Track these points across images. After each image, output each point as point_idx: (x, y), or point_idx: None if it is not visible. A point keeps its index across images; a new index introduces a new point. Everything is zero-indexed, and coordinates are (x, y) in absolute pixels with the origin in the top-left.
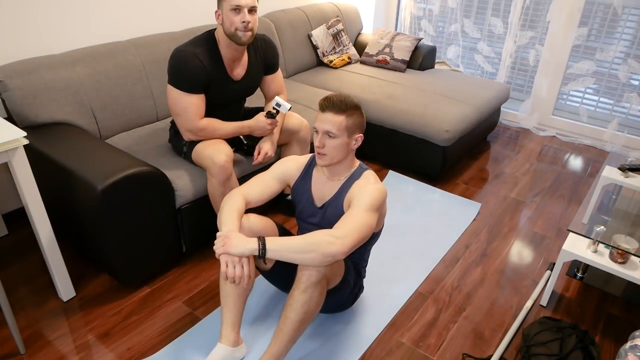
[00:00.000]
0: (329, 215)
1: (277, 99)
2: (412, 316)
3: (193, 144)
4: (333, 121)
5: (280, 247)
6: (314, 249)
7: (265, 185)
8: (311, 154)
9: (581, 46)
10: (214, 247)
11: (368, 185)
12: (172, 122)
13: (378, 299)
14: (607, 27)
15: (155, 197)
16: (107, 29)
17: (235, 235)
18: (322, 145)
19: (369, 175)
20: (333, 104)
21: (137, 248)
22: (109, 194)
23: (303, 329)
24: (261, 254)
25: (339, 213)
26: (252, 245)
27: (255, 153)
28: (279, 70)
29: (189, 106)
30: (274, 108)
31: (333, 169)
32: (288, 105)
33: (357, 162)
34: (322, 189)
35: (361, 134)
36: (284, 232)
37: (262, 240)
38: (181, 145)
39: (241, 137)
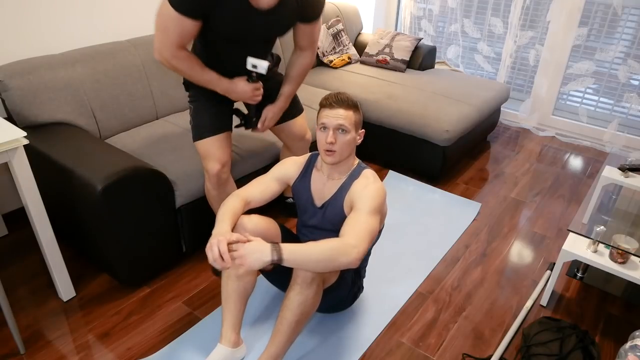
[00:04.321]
0: (328, 215)
1: (251, 59)
2: (412, 316)
3: (198, 130)
4: (345, 116)
5: (297, 257)
6: (332, 259)
7: (266, 186)
8: (310, 154)
9: (581, 46)
10: (210, 254)
11: (369, 186)
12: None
13: (378, 299)
14: (607, 27)
15: (155, 197)
16: (107, 29)
17: (249, 249)
18: (334, 140)
19: (368, 173)
20: (342, 100)
21: (137, 248)
22: (109, 194)
23: (300, 329)
24: (277, 264)
25: (339, 213)
26: (268, 258)
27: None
28: (320, 21)
29: (173, 28)
30: (250, 71)
31: (335, 168)
32: (265, 64)
33: (357, 161)
34: (322, 188)
35: (363, 130)
36: (286, 232)
37: (277, 250)
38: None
39: (240, 110)
